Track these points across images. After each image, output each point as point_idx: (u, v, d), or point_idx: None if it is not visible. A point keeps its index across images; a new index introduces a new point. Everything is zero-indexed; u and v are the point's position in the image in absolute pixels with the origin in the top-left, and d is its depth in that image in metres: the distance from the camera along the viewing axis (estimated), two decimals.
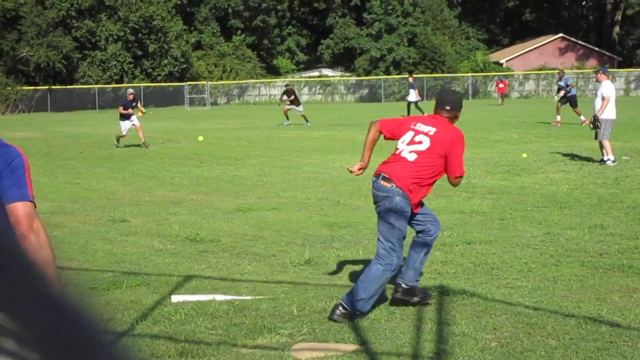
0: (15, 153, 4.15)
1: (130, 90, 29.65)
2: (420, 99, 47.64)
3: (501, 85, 65.68)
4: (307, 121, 39.54)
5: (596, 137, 19.91)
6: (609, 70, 22.03)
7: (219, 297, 8.28)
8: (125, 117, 27.87)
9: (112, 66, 75.86)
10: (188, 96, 78.10)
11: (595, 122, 19.57)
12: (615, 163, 19.35)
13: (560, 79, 36.72)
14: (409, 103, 46.47)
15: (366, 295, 7.33)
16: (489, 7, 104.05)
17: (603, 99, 19.55)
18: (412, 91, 46.92)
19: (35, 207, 4.17)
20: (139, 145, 27.58)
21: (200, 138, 28.51)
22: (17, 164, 4.12)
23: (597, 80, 20.20)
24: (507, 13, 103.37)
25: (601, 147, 19.79)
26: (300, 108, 39.85)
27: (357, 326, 7.22)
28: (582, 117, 33.71)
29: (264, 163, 22.09)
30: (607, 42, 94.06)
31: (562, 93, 36.00)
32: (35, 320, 0.87)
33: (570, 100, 35.15)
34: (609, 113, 19.58)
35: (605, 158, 19.58)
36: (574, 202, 14.22)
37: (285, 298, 8.25)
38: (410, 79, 48.80)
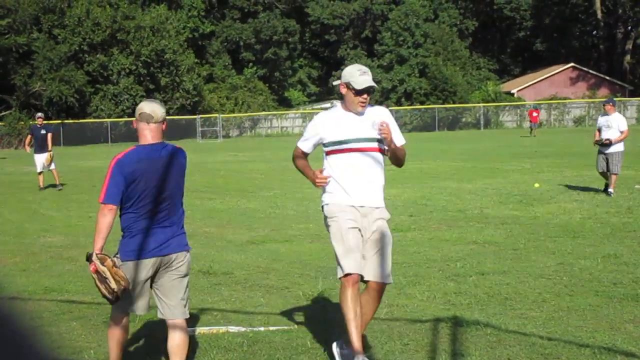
0: None
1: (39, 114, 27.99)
2: None
3: (535, 114, 62.57)
4: None
5: (608, 169, 19.64)
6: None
7: (232, 329, 8.28)
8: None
9: (124, 100, 76.12)
10: (200, 129, 78.42)
11: (608, 140, 19.34)
12: (612, 195, 19.24)
13: None
14: None
15: None
16: (500, 38, 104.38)
17: (621, 132, 19.45)
18: None
19: None
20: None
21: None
22: None
23: (606, 112, 19.96)
24: (518, 43, 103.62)
25: (607, 177, 19.66)
26: None
27: (372, 359, 7.20)
28: None
29: (276, 195, 22.11)
30: (618, 71, 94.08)
31: None
32: None
33: None
34: (621, 146, 19.50)
35: (610, 190, 19.45)
36: (587, 231, 14.18)
37: (298, 330, 8.25)
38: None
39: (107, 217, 6.36)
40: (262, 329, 8.33)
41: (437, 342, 7.65)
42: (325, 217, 7.03)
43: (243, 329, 8.31)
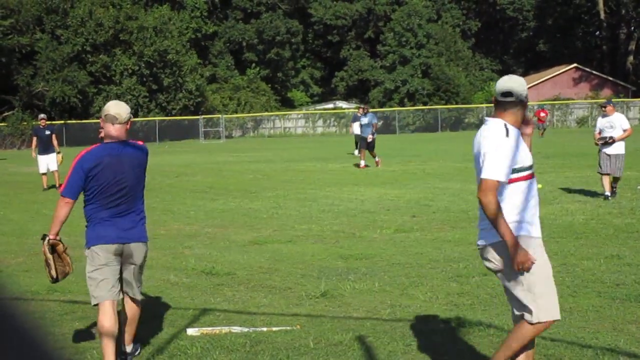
0: None
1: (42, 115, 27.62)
2: (358, 133, 38.94)
3: (542, 115, 59.09)
4: None
5: (609, 171, 19.50)
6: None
7: (235, 329, 8.27)
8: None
9: (127, 100, 75.90)
10: (203, 129, 78.41)
11: (612, 138, 19.24)
12: (608, 199, 19.03)
13: (364, 115, 33.61)
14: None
15: None
16: (503, 38, 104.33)
17: (624, 130, 19.36)
18: (356, 124, 38.84)
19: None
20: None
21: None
22: None
23: (606, 113, 19.79)
24: (521, 44, 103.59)
25: (615, 180, 19.54)
26: None
27: None
28: (377, 159, 32.36)
29: (279, 196, 22.09)
30: (621, 72, 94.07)
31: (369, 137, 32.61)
32: None
33: (369, 145, 32.58)
34: (623, 148, 19.41)
35: (608, 193, 19.22)
36: (590, 232, 14.15)
37: (301, 331, 8.24)
38: (360, 112, 38.21)
39: (64, 208, 7.16)
40: (264, 329, 8.32)
41: (440, 342, 7.65)
42: (518, 249, 6.01)
43: (246, 330, 8.30)
